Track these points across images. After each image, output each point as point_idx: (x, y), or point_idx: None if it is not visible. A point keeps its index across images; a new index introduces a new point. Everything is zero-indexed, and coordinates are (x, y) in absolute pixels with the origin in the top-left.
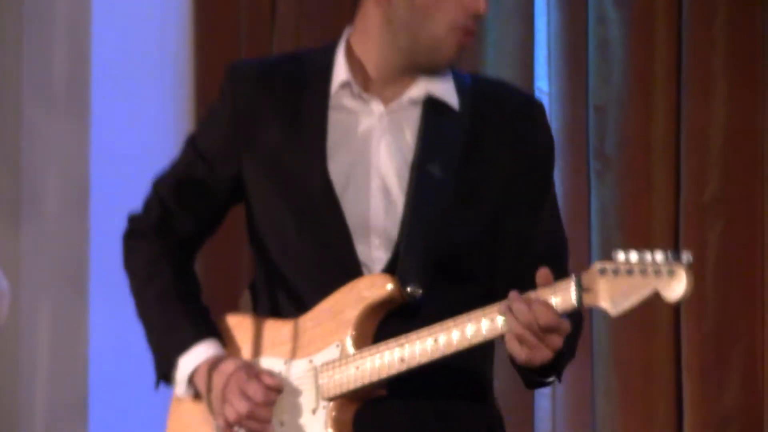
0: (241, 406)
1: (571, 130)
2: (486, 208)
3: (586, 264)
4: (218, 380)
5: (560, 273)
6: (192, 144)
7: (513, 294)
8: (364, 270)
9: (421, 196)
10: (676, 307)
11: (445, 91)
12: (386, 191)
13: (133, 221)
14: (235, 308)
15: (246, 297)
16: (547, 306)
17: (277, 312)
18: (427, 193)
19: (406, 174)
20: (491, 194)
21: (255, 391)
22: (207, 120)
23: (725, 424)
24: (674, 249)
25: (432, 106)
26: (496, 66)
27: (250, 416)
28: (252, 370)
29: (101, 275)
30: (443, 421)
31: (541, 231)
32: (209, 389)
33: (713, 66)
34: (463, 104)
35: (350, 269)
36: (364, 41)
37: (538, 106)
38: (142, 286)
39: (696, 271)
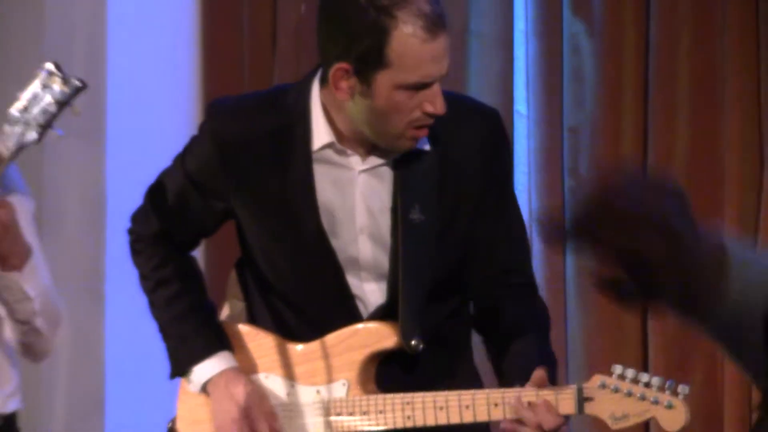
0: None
1: (547, 149)
2: (462, 234)
3: (561, 280)
4: (230, 405)
5: (523, 278)
6: (183, 168)
7: (517, 402)
8: (357, 301)
9: (407, 238)
10: (644, 316)
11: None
12: (371, 233)
13: (136, 224)
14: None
15: (233, 277)
16: (551, 410)
17: (275, 320)
18: (412, 236)
19: (387, 217)
20: (465, 218)
21: (262, 429)
22: (193, 150)
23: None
24: (670, 378)
25: (405, 154)
26: (479, 91)
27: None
28: (262, 405)
29: (116, 285)
30: None
31: (507, 236)
32: (220, 407)
33: (677, 93)
34: (432, 142)
35: (343, 298)
36: (336, 112)
37: (492, 116)
38: (152, 293)
39: None
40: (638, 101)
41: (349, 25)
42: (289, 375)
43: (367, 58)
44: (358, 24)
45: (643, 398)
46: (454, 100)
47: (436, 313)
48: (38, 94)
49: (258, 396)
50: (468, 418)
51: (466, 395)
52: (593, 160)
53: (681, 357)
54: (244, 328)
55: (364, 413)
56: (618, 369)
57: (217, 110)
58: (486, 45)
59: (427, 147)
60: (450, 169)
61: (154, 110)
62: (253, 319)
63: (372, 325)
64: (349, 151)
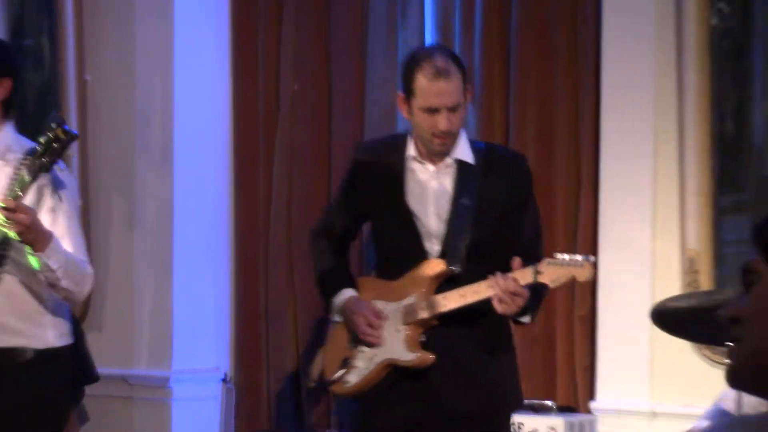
0: (364, 328)
1: None
2: (493, 220)
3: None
4: (355, 312)
5: (536, 255)
6: (340, 196)
7: (497, 273)
8: (427, 255)
9: (457, 216)
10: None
11: (465, 155)
12: (438, 213)
13: (315, 230)
14: (358, 274)
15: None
16: (515, 281)
17: (384, 275)
18: (461, 214)
19: (447, 202)
20: (496, 211)
21: (372, 320)
22: (344, 183)
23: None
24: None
25: (460, 163)
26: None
27: (365, 334)
28: (371, 308)
29: (180, 265)
30: (471, 339)
31: (526, 230)
32: (351, 316)
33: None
34: (476, 160)
35: (420, 255)
36: (414, 134)
37: (522, 158)
38: (319, 262)
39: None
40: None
41: (403, 69)
42: (385, 298)
43: (406, 89)
44: (405, 69)
45: (569, 265)
46: (499, 146)
47: (476, 272)
48: (50, 138)
49: (369, 309)
50: (476, 296)
51: (474, 285)
52: None
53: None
54: (365, 278)
55: (422, 308)
56: (558, 254)
57: (357, 150)
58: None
59: (472, 161)
60: (488, 177)
61: (202, 147)
62: (376, 271)
63: (430, 261)
64: (426, 162)
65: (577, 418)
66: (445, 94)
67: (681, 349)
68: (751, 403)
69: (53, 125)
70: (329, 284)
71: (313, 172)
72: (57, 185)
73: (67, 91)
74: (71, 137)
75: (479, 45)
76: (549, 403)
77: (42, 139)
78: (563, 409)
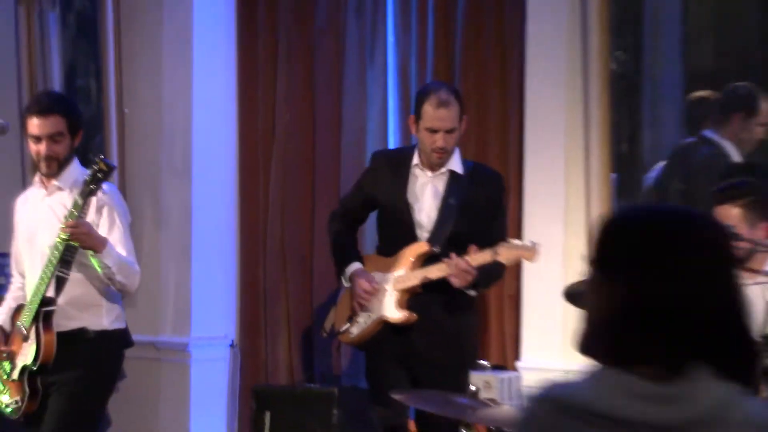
0: (361, 291)
1: None
2: (471, 218)
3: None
4: (357, 280)
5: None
6: (357, 188)
7: (452, 255)
8: (418, 240)
9: (444, 212)
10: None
11: (456, 167)
12: (429, 209)
13: (334, 212)
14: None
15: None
16: (467, 262)
17: (383, 253)
18: (447, 211)
19: (438, 202)
20: (474, 212)
21: (367, 287)
22: (362, 178)
23: None
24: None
25: (452, 173)
26: None
27: (361, 297)
28: (369, 277)
29: (197, 255)
30: (443, 304)
31: (494, 231)
32: (353, 283)
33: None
34: (465, 172)
35: (412, 239)
36: (419, 148)
37: (500, 176)
38: (335, 239)
39: None
40: None
41: (416, 98)
42: (382, 270)
43: (416, 113)
44: (417, 97)
45: (520, 248)
46: (481, 165)
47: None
48: (95, 170)
49: (368, 278)
50: (440, 272)
51: (440, 263)
52: None
53: None
54: (368, 256)
55: (408, 279)
56: (512, 239)
57: (374, 155)
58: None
59: (462, 173)
60: (472, 186)
61: (215, 163)
62: (377, 250)
63: (415, 244)
64: (426, 169)
65: (506, 374)
66: (444, 120)
67: None
68: None
69: (97, 160)
70: (342, 257)
71: (301, 182)
72: (113, 205)
73: (110, 120)
74: (111, 168)
75: (430, 75)
76: (485, 362)
77: (90, 171)
78: (495, 367)
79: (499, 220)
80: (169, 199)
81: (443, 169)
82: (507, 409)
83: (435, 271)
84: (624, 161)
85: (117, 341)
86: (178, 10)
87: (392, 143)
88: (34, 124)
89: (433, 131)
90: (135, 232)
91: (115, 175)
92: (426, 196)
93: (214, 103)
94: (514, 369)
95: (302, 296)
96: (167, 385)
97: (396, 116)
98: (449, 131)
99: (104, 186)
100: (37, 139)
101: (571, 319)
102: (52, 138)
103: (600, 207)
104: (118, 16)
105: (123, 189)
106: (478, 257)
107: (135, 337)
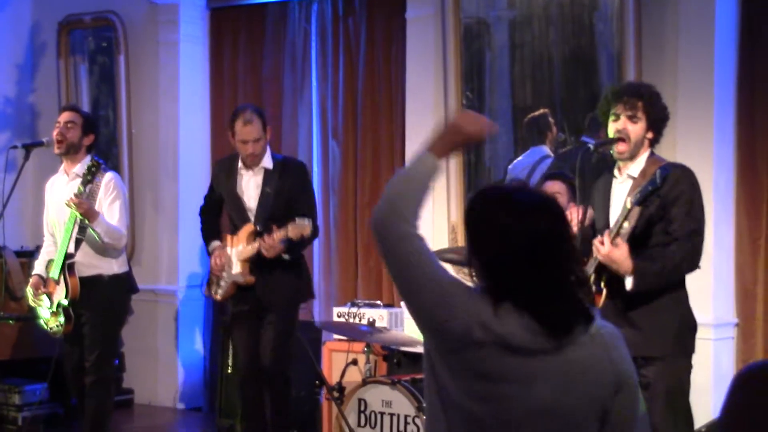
0: (215, 264)
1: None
2: (284, 202)
3: None
4: (213, 256)
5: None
6: (209, 188)
7: (265, 235)
8: (249, 222)
9: (262, 199)
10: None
11: (268, 163)
12: (254, 198)
13: (201, 206)
14: (226, 231)
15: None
16: (271, 238)
17: (232, 233)
18: (265, 198)
19: (258, 192)
20: (285, 197)
21: (216, 262)
22: (211, 181)
23: None
24: None
25: (265, 169)
26: None
27: (214, 269)
28: (221, 253)
29: (184, 225)
30: (277, 263)
31: (302, 204)
32: (215, 256)
33: None
34: (274, 166)
35: (246, 221)
36: (240, 154)
37: (302, 164)
38: (203, 225)
39: None
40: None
41: (229, 119)
42: (231, 246)
43: (231, 131)
44: (230, 119)
45: (300, 226)
46: (289, 158)
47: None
48: (89, 166)
49: (219, 254)
50: (254, 249)
51: (258, 240)
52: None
53: None
54: (225, 235)
55: (246, 251)
56: (298, 218)
57: (213, 165)
58: None
59: (271, 167)
60: (282, 176)
61: (195, 166)
62: (229, 231)
63: (248, 225)
64: (247, 169)
65: (394, 310)
66: (250, 133)
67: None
68: None
69: (91, 159)
70: (208, 237)
71: None
72: (112, 185)
73: (122, 139)
74: (99, 165)
75: (341, 108)
76: (378, 302)
77: (86, 167)
78: (386, 305)
79: (303, 199)
80: (164, 192)
81: (258, 167)
82: (394, 333)
83: (253, 248)
84: (471, 168)
85: (125, 284)
86: (168, 64)
87: (316, 156)
88: (59, 117)
89: (244, 142)
90: (139, 214)
91: (126, 175)
92: (250, 188)
93: (194, 127)
94: (400, 306)
95: None
96: (162, 319)
97: (318, 137)
98: (256, 140)
99: (110, 173)
100: (57, 124)
101: None
102: (66, 124)
103: (457, 195)
104: (128, 67)
105: (131, 185)
106: (277, 235)
107: (140, 285)
